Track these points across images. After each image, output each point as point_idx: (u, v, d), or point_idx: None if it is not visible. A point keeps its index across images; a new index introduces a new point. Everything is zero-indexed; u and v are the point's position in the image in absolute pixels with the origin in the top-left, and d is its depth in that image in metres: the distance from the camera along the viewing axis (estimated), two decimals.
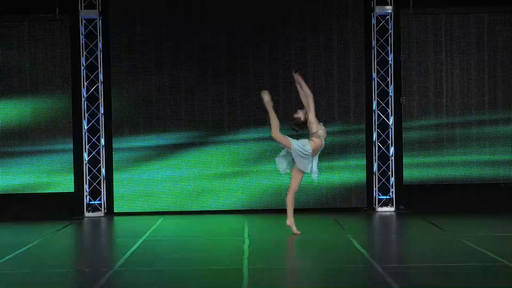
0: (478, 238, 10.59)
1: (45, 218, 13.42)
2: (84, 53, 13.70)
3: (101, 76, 13.74)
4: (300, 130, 11.20)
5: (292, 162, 11.07)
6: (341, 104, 13.70)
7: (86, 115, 13.77)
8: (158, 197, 13.79)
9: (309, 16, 13.72)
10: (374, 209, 13.82)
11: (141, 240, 10.96)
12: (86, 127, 13.77)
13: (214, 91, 13.74)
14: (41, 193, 13.74)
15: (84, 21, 13.69)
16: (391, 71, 13.79)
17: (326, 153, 13.33)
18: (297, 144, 10.93)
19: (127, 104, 13.74)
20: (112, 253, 10.67)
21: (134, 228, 12.45)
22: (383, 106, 13.83)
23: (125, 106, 13.74)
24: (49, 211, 13.71)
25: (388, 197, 13.88)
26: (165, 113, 13.75)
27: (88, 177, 13.79)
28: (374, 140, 13.85)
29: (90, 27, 13.69)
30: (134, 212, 13.77)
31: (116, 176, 13.77)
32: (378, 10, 13.71)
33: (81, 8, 13.63)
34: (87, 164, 13.79)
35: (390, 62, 13.78)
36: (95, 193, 13.84)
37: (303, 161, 10.91)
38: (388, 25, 13.76)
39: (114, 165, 13.77)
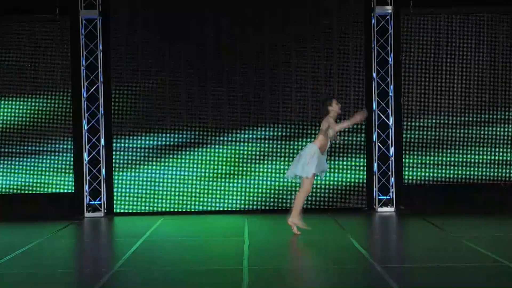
0: (477, 238, 10.60)
1: (45, 218, 13.42)
2: (84, 53, 13.70)
3: (101, 76, 13.74)
4: (324, 113, 10.94)
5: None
6: (341, 104, 13.66)
7: (86, 115, 13.77)
8: (158, 197, 13.80)
9: (309, 16, 13.72)
10: (374, 209, 13.82)
11: (141, 241, 10.96)
12: (86, 127, 13.77)
13: (214, 91, 13.74)
14: (41, 193, 13.73)
15: (84, 21, 13.69)
16: (391, 71, 13.79)
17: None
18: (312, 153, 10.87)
19: (127, 104, 13.74)
20: (112, 254, 10.67)
21: (134, 228, 12.45)
22: (383, 106, 13.83)
23: (125, 106, 13.74)
24: (49, 211, 13.71)
25: (388, 197, 13.88)
26: (165, 113, 13.75)
27: (88, 177, 13.80)
28: (374, 140, 13.85)
29: (90, 27, 13.69)
30: (134, 212, 13.78)
31: (116, 176, 13.77)
32: (378, 10, 13.72)
33: (81, 8, 13.63)
34: (87, 164, 13.79)
35: (390, 62, 13.78)
36: (95, 193, 13.84)
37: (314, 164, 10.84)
38: (388, 25, 13.77)
39: (114, 165, 13.77)
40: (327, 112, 10.97)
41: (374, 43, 13.76)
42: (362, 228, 12.04)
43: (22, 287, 8.32)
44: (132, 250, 10.17)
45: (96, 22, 13.67)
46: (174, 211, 13.77)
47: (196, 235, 11.66)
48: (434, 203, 13.85)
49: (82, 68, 13.71)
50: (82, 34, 13.68)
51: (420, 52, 13.77)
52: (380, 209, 13.81)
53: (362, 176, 13.80)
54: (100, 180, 13.81)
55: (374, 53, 13.78)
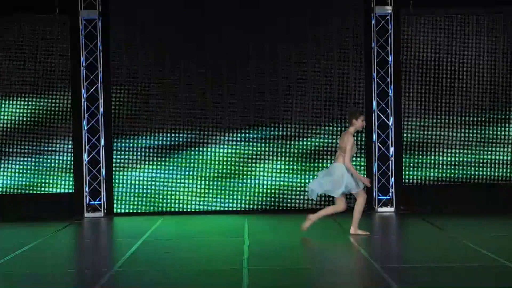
0: (477, 238, 10.59)
1: (45, 218, 13.42)
2: (84, 53, 13.70)
3: (100, 77, 13.74)
4: (350, 125, 10.95)
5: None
6: (341, 104, 13.70)
7: (86, 115, 13.77)
8: (158, 197, 13.79)
9: (309, 16, 13.72)
10: (374, 210, 13.82)
11: (141, 241, 10.96)
12: (86, 128, 13.76)
13: (214, 91, 13.74)
14: (41, 193, 13.73)
15: (84, 22, 13.69)
16: (391, 71, 13.79)
17: (326, 154, 13.36)
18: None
19: (127, 104, 13.73)
20: (112, 254, 10.67)
21: (134, 228, 12.45)
22: (383, 106, 13.83)
23: (124, 106, 13.74)
24: (49, 212, 13.71)
25: (388, 197, 13.88)
26: (165, 114, 13.75)
27: (88, 178, 13.79)
28: (374, 140, 13.85)
29: (90, 27, 13.69)
30: (134, 213, 13.77)
31: (116, 176, 13.77)
32: (378, 10, 13.72)
33: (81, 9, 13.63)
34: (87, 165, 13.79)
35: (390, 63, 13.78)
36: (95, 194, 13.84)
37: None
38: (388, 25, 13.77)
39: (114, 165, 13.77)
40: (349, 124, 10.91)
41: (374, 43, 13.76)
42: (362, 228, 11.99)
43: (22, 287, 8.32)
44: (132, 250, 10.17)
45: (96, 22, 13.67)
46: (174, 211, 13.77)
47: (195, 235, 11.66)
48: (434, 203, 13.84)
49: (82, 68, 13.71)
50: (82, 34, 13.68)
51: (420, 52, 13.77)
52: (380, 209, 13.81)
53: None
54: (100, 180, 13.81)
55: (374, 53, 13.78)
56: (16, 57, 13.67)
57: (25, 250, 10.35)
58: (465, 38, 13.73)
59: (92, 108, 13.78)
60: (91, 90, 13.76)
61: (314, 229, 11.49)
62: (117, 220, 13.53)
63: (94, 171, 13.80)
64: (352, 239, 10.75)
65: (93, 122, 13.78)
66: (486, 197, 13.81)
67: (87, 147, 13.78)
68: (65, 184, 13.76)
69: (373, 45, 13.76)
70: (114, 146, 13.76)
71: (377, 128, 13.84)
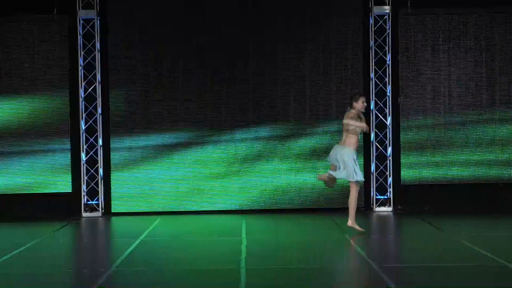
0: (475, 238, 10.60)
1: (43, 218, 13.41)
2: (82, 53, 13.70)
3: (98, 76, 13.73)
4: (350, 108, 11.02)
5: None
6: (338, 104, 13.69)
7: (84, 115, 13.76)
8: (156, 197, 13.78)
9: (308, 16, 13.72)
10: (371, 209, 13.82)
11: (138, 240, 10.96)
12: (83, 127, 13.76)
13: (212, 90, 13.74)
14: (38, 193, 13.71)
15: (82, 21, 13.68)
16: (389, 71, 13.79)
17: (324, 153, 13.35)
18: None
19: (125, 104, 13.73)
20: (109, 253, 10.66)
21: (131, 228, 12.44)
22: (380, 106, 13.83)
23: (122, 106, 13.73)
24: (46, 211, 13.70)
25: (385, 197, 13.88)
26: (163, 113, 13.74)
27: (85, 177, 13.79)
28: (372, 140, 13.86)
29: (88, 27, 13.68)
30: (131, 212, 13.76)
31: (114, 176, 13.76)
32: (376, 10, 13.72)
33: (79, 8, 13.62)
34: (85, 164, 13.78)
35: (388, 62, 13.78)
36: (92, 193, 13.83)
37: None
38: (386, 25, 13.77)
39: (112, 165, 13.76)
40: (351, 107, 10.98)
41: (372, 43, 13.77)
42: (363, 229, 11.99)
43: (20, 287, 8.32)
44: (129, 250, 10.17)
45: (94, 22, 13.67)
46: (172, 211, 13.76)
47: (193, 235, 11.66)
48: (432, 203, 13.85)
49: (80, 68, 13.71)
50: (80, 34, 13.67)
51: (418, 52, 13.77)
52: (377, 209, 13.81)
53: None
54: (98, 180, 13.80)
55: (372, 53, 13.78)
56: (14, 57, 13.65)
57: (23, 250, 10.35)
58: (463, 38, 13.74)
59: (90, 108, 13.77)
60: (89, 90, 13.75)
61: (312, 229, 11.50)
62: (115, 219, 13.53)
63: (92, 171, 13.79)
64: (350, 239, 10.75)
65: (91, 121, 13.77)
66: (484, 196, 13.81)
67: (85, 146, 13.78)
68: (62, 184, 13.74)
69: (371, 45, 13.77)
70: (112, 145, 13.76)
71: (375, 128, 13.84)
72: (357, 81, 13.76)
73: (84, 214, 13.75)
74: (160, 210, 13.78)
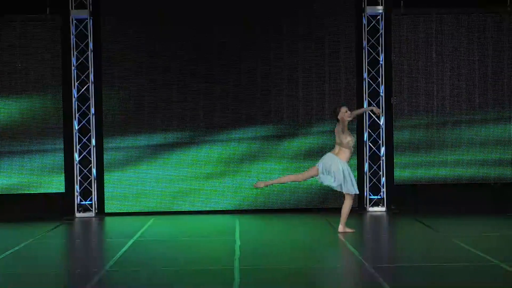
0: (469, 238, 10.62)
1: (36, 218, 13.38)
2: (75, 53, 13.67)
3: (91, 76, 13.71)
4: (338, 121, 11.08)
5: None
6: (332, 104, 13.69)
7: (77, 115, 13.74)
8: (149, 197, 13.77)
9: (300, 16, 13.72)
10: (365, 209, 13.83)
11: (132, 241, 10.95)
12: (77, 127, 13.74)
13: (206, 90, 13.73)
14: (31, 193, 13.69)
15: (74, 21, 13.66)
16: (382, 71, 13.80)
17: (317, 153, 13.35)
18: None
19: (118, 104, 13.71)
20: (103, 254, 10.65)
21: (125, 228, 12.43)
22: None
23: (116, 106, 13.71)
24: (39, 212, 13.67)
25: (379, 197, 13.89)
26: (156, 113, 13.73)
27: (79, 178, 13.77)
28: (365, 140, 13.87)
29: (81, 27, 13.67)
30: (125, 213, 13.75)
31: (107, 176, 13.74)
32: (369, 10, 13.73)
33: (71, 8, 13.60)
34: (78, 164, 13.76)
35: (381, 62, 13.80)
36: (86, 194, 13.81)
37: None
38: (379, 25, 13.78)
39: (105, 165, 13.74)
40: (337, 120, 11.01)
41: (365, 43, 13.78)
42: (353, 228, 12.01)
43: (12, 287, 8.30)
44: (123, 250, 10.16)
45: (87, 22, 13.64)
46: (165, 211, 13.76)
47: (187, 235, 11.65)
48: (425, 203, 13.87)
49: (72, 68, 13.68)
50: (72, 34, 13.65)
51: (411, 52, 13.79)
52: (371, 209, 13.82)
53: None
54: (91, 180, 13.78)
55: (365, 53, 13.80)
56: (6, 57, 13.62)
57: (15, 250, 10.32)
58: (456, 38, 13.76)
59: (83, 108, 13.75)
60: (82, 90, 13.73)
61: (306, 229, 11.51)
62: (108, 220, 13.51)
63: (85, 171, 13.77)
64: (343, 239, 10.75)
65: (84, 122, 13.75)
66: (477, 196, 13.84)
67: (78, 147, 13.76)
68: (56, 184, 13.72)
69: (364, 45, 13.78)
70: (105, 146, 13.74)
71: (368, 128, 13.86)
72: (350, 81, 13.77)
73: (77, 215, 13.73)
74: (154, 210, 13.77)
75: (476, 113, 13.78)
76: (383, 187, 13.86)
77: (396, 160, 13.83)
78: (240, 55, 13.72)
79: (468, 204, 13.75)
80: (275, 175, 13.71)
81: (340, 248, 10.30)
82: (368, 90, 13.83)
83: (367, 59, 13.80)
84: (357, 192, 11.25)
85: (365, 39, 13.77)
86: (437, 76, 13.80)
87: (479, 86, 13.77)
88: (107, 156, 13.74)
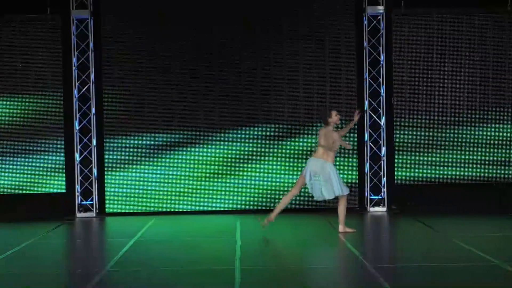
0: (469, 238, 10.62)
1: (36, 218, 13.38)
2: (76, 53, 13.68)
3: (92, 76, 13.71)
4: (326, 125, 11.14)
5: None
6: (332, 104, 13.69)
7: (78, 115, 13.74)
8: (150, 197, 13.78)
9: (301, 16, 13.72)
10: (366, 209, 13.83)
11: (133, 241, 10.95)
12: (77, 127, 13.74)
13: (206, 90, 13.73)
14: (32, 193, 13.70)
15: (75, 21, 13.66)
16: (382, 71, 13.80)
17: None
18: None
19: (119, 104, 13.72)
20: (103, 254, 10.65)
21: (126, 228, 12.43)
22: (374, 106, 13.85)
23: (116, 106, 13.72)
24: (40, 212, 13.67)
25: (379, 197, 13.89)
26: (157, 113, 13.74)
27: (79, 178, 13.77)
28: (366, 140, 13.87)
29: (82, 27, 13.67)
30: (126, 213, 13.75)
31: (108, 176, 13.74)
32: (370, 10, 13.73)
33: (72, 8, 13.60)
34: (79, 165, 13.77)
35: (381, 62, 13.80)
36: (86, 194, 13.82)
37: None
38: (379, 26, 13.78)
39: (106, 165, 13.75)
40: (327, 123, 11.06)
41: (365, 43, 13.78)
42: (354, 228, 12.02)
43: (13, 287, 8.30)
44: (123, 250, 10.16)
45: (88, 22, 13.65)
46: (166, 211, 13.76)
47: (188, 235, 11.65)
48: (426, 203, 13.87)
49: (73, 68, 13.69)
50: (73, 34, 13.66)
51: (412, 52, 13.79)
52: (371, 209, 13.82)
53: (353, 176, 13.81)
54: (92, 180, 13.79)
55: (366, 53, 13.80)
56: (7, 57, 13.63)
57: (16, 250, 10.32)
58: (457, 38, 13.76)
59: (84, 108, 13.75)
60: (83, 90, 13.73)
61: (306, 229, 11.50)
62: (109, 220, 13.51)
63: (86, 171, 13.78)
64: (344, 239, 10.76)
65: (85, 122, 13.76)
66: (478, 196, 13.84)
67: (78, 147, 13.76)
68: (56, 184, 13.73)
69: (364, 45, 13.78)
70: (106, 146, 13.75)
71: (369, 128, 13.86)
72: (351, 81, 13.77)
73: (78, 215, 13.73)
74: (155, 210, 13.77)
75: (477, 113, 13.78)
76: (383, 187, 13.86)
77: (396, 160, 13.83)
78: (240, 55, 13.72)
79: (469, 204, 13.74)
80: (275, 175, 13.72)
81: (341, 248, 10.30)
82: (368, 90, 13.83)
83: (368, 59, 13.80)
84: (348, 191, 11.25)
85: (365, 39, 13.77)
86: (438, 76, 13.80)
87: (480, 86, 13.77)
88: (108, 156, 13.74)
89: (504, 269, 8.56)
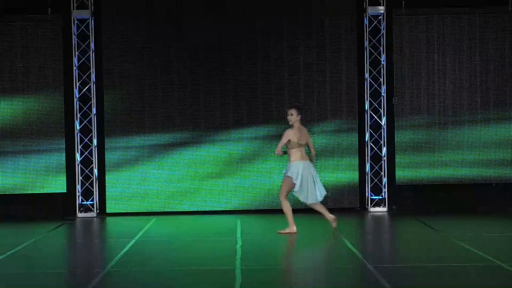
0: (469, 238, 10.62)
1: (37, 218, 13.40)
2: (77, 53, 13.68)
3: (93, 77, 13.72)
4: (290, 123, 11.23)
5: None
6: (333, 104, 13.71)
7: (79, 115, 13.75)
8: (151, 197, 13.78)
9: (301, 16, 13.73)
10: (366, 209, 13.83)
11: (133, 241, 10.95)
12: (78, 127, 13.75)
13: (207, 90, 13.74)
14: (33, 193, 13.70)
15: (76, 21, 13.67)
16: (383, 71, 13.80)
17: (319, 153, 13.35)
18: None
19: (120, 104, 13.72)
20: (104, 254, 10.66)
21: (126, 228, 12.44)
22: (375, 106, 13.85)
23: (117, 106, 13.72)
24: (41, 212, 13.69)
25: (380, 197, 13.89)
26: (158, 113, 13.74)
27: (80, 178, 13.77)
28: (366, 140, 13.87)
29: (83, 27, 13.67)
30: (126, 213, 13.75)
31: (109, 176, 13.75)
32: (371, 10, 13.73)
33: (73, 8, 13.61)
34: (80, 165, 13.77)
35: (382, 63, 13.80)
36: (87, 194, 13.82)
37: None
38: (380, 26, 13.78)
39: (107, 165, 13.75)
40: (291, 124, 11.30)
41: (366, 43, 13.78)
42: (355, 228, 12.06)
43: (14, 287, 8.30)
44: (124, 250, 10.16)
45: (89, 22, 13.65)
46: (167, 211, 13.76)
47: (188, 235, 11.65)
48: (427, 203, 13.87)
49: (74, 68, 13.69)
50: (74, 34, 13.66)
51: (413, 52, 13.79)
52: (372, 209, 13.82)
53: (354, 176, 13.81)
54: (93, 180, 13.79)
55: (367, 53, 13.80)
56: (8, 57, 13.63)
57: (17, 250, 10.33)
58: (458, 38, 13.75)
59: (85, 108, 13.76)
60: (84, 90, 13.74)
61: (307, 229, 11.50)
62: (109, 220, 13.52)
63: (86, 171, 13.78)
64: (344, 239, 10.75)
65: (85, 122, 13.76)
66: (478, 197, 13.83)
67: (79, 147, 13.76)
68: (57, 184, 13.73)
69: (365, 45, 13.78)
70: (106, 146, 13.75)
71: (370, 128, 13.86)
72: (352, 81, 13.77)
73: (79, 215, 13.73)
74: (155, 210, 13.77)
75: (478, 113, 13.77)
76: (384, 188, 13.86)
77: (397, 160, 13.82)
78: (241, 55, 13.72)
79: (469, 204, 13.74)
80: (276, 175, 13.71)
81: (341, 248, 10.30)
82: (369, 90, 13.83)
83: (369, 59, 13.80)
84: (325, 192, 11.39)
85: (366, 39, 13.77)
86: (439, 76, 13.79)
87: (481, 86, 13.76)
88: (108, 156, 13.74)
89: (503, 269, 8.56)
